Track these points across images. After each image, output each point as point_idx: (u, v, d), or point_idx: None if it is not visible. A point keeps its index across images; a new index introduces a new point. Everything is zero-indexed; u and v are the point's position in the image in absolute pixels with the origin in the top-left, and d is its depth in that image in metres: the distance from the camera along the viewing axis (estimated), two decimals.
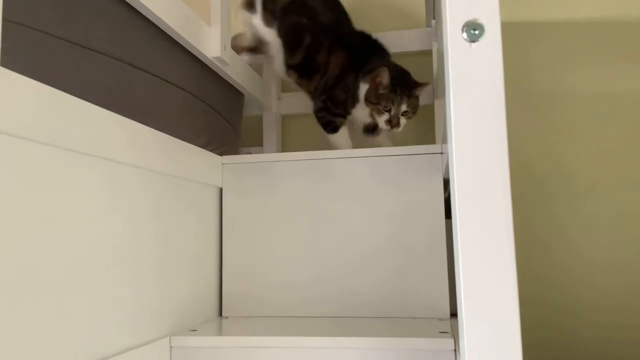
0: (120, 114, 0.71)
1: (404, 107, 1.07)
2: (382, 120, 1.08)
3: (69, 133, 0.60)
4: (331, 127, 1.14)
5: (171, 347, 0.79)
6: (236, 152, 1.18)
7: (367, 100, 1.09)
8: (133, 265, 0.73)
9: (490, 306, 0.44)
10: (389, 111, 1.07)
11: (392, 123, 1.07)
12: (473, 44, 0.38)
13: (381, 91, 1.07)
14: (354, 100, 1.12)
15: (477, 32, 0.38)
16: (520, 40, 1.32)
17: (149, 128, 0.78)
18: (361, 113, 1.12)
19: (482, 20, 0.38)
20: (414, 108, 1.09)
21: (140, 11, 0.78)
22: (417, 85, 1.09)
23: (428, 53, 1.34)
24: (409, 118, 1.09)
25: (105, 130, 0.67)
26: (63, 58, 0.65)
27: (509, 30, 1.33)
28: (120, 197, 0.71)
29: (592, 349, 1.20)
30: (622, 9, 1.28)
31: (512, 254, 0.43)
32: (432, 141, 1.31)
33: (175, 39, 0.88)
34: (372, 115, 1.09)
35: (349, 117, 1.15)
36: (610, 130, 1.26)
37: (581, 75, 1.29)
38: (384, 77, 1.06)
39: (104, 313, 0.66)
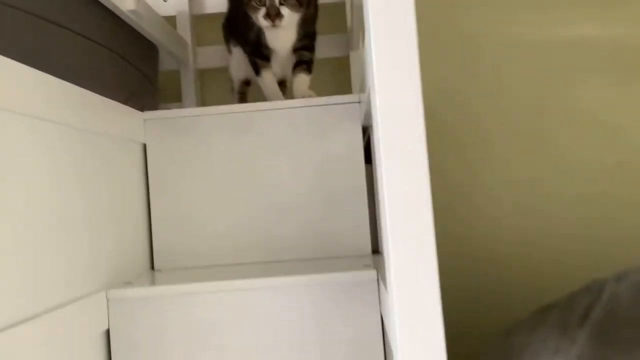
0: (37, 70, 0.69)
1: None
2: (261, 18, 1.02)
3: (16, 101, 0.59)
4: (254, 69, 1.13)
5: (108, 299, 0.81)
6: (155, 108, 1.18)
7: (245, 6, 1.04)
8: (60, 222, 0.73)
9: (412, 237, 0.49)
10: (264, 4, 1.01)
11: (271, 15, 1.00)
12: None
13: None
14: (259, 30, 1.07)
15: None
16: None
17: (68, 83, 0.77)
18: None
19: None
20: None
21: None
22: None
23: (341, 5, 1.37)
24: (293, 9, 1.03)
25: (24, 86, 0.66)
26: (17, 28, 0.63)
27: None
28: (42, 155, 0.70)
29: (499, 273, 1.34)
30: None
31: (428, 193, 0.48)
32: (348, 91, 1.37)
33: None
34: (253, 20, 1.04)
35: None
36: (523, 79, 1.36)
37: (504, 22, 1.36)
38: None
39: (36, 271, 0.67)
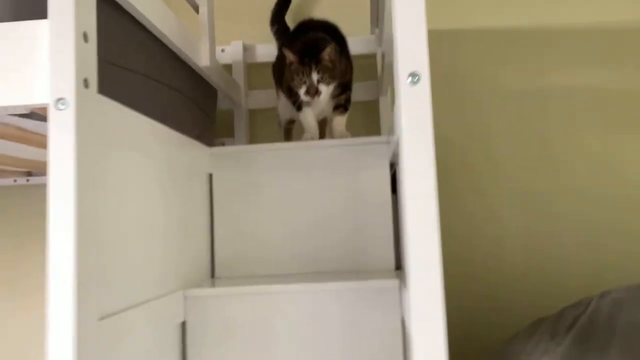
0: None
1: (315, 76, 1.19)
2: (302, 94, 1.21)
3: (128, 138, 0.82)
4: (296, 106, 1.32)
5: (185, 297, 1.02)
6: (213, 142, 1.40)
7: (290, 81, 1.23)
8: (155, 232, 0.95)
9: (425, 254, 0.70)
10: (305, 83, 1.20)
11: (310, 92, 1.20)
12: (414, 86, 0.64)
13: (292, 68, 1.22)
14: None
15: (417, 78, 0.64)
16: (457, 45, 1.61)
17: (166, 127, 1.00)
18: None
19: (419, 71, 0.64)
20: (328, 71, 1.20)
21: (159, 37, 1.00)
22: (323, 50, 1.19)
23: (373, 56, 1.60)
24: (329, 83, 1.21)
25: (141, 131, 0.89)
26: (126, 82, 0.86)
27: (450, 36, 1.61)
28: (148, 180, 0.93)
29: (501, 290, 1.52)
30: (540, 17, 1.59)
31: (436, 225, 0.67)
32: (377, 130, 1.58)
33: (179, 54, 1.10)
34: (296, 94, 1.23)
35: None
36: (529, 120, 1.56)
37: (504, 74, 1.58)
38: (289, 55, 1.21)
39: (143, 268, 0.88)
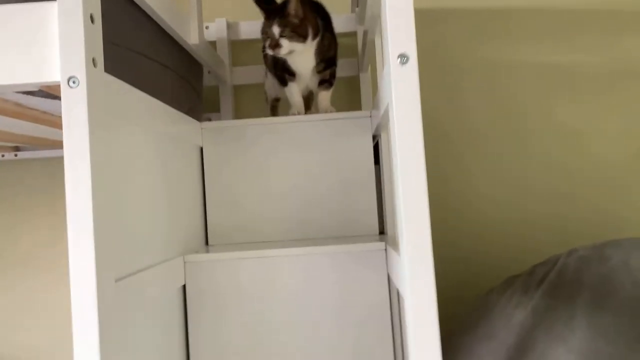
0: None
1: (275, 29, 1.22)
2: (267, 47, 1.24)
3: (131, 113, 0.87)
4: (281, 82, 1.38)
5: (185, 262, 1.09)
6: (201, 117, 1.45)
7: (261, 36, 1.28)
8: (158, 201, 1.01)
9: (415, 216, 0.77)
10: (268, 37, 1.24)
11: (271, 45, 1.23)
12: (403, 66, 0.71)
13: (262, 26, 1.28)
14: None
15: (405, 59, 0.70)
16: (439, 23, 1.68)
17: (161, 102, 1.05)
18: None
19: (408, 52, 0.71)
20: (290, 26, 1.22)
21: (153, 17, 1.04)
22: (288, 5, 1.22)
23: (353, 34, 1.66)
24: (290, 38, 1.22)
25: (141, 107, 0.94)
26: (126, 61, 0.91)
27: (433, 15, 1.68)
28: (148, 152, 0.98)
29: (479, 252, 1.63)
30: None
31: (425, 189, 0.75)
32: (358, 105, 1.65)
33: (170, 33, 1.14)
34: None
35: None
36: (505, 94, 1.65)
37: (486, 50, 1.66)
38: (261, 12, 1.27)
39: (149, 234, 0.94)
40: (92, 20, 0.76)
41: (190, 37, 1.23)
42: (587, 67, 1.65)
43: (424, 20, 1.67)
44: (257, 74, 1.64)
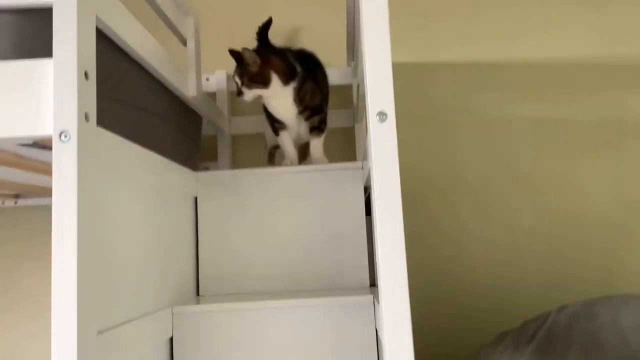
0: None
1: (237, 79, 1.33)
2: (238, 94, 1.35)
3: (123, 165, 0.90)
4: (274, 131, 1.44)
5: (173, 313, 1.09)
6: (198, 167, 1.48)
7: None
8: (148, 253, 1.02)
9: (394, 271, 0.78)
10: (237, 84, 1.35)
11: (238, 92, 1.35)
12: (382, 123, 0.73)
13: None
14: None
15: (384, 117, 0.73)
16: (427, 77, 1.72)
17: (156, 154, 1.07)
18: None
19: (386, 110, 0.73)
20: (247, 75, 1.31)
21: (150, 71, 1.07)
22: (245, 58, 1.30)
23: (349, 86, 1.70)
24: (249, 86, 1.32)
25: (133, 159, 0.96)
26: (121, 115, 0.94)
27: (425, 67, 1.72)
28: (148, 207, 1.00)
29: (469, 298, 1.61)
30: (503, 53, 1.71)
31: (401, 243, 0.76)
32: (353, 155, 1.67)
33: (168, 86, 1.18)
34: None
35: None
36: (494, 146, 1.68)
37: (472, 103, 1.70)
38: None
39: (142, 284, 0.95)
40: (87, 77, 0.80)
41: (189, 90, 1.27)
42: (576, 121, 1.67)
43: (417, 72, 1.71)
44: (255, 123, 1.67)
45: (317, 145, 1.41)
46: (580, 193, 1.65)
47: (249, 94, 1.33)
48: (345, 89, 1.71)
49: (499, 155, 1.68)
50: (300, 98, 1.35)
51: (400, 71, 1.72)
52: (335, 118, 1.68)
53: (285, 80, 1.33)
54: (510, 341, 1.17)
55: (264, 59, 1.31)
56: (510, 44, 1.71)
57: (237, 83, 1.34)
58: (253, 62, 1.30)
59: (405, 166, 1.61)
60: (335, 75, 1.67)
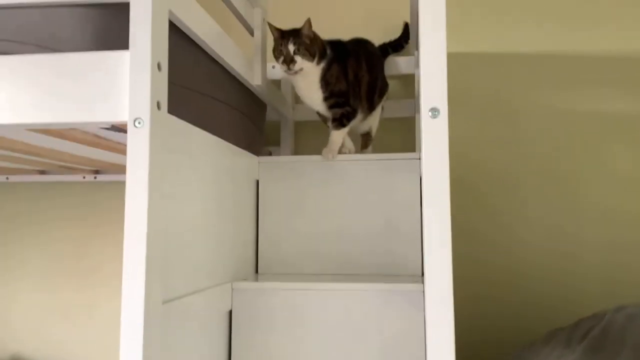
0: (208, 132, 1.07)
1: (291, 47, 1.30)
2: (280, 64, 1.33)
3: (190, 149, 0.96)
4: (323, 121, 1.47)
5: (232, 288, 1.16)
6: (261, 151, 1.54)
7: (273, 54, 1.35)
8: (213, 231, 1.09)
9: (439, 261, 0.80)
10: (282, 53, 1.31)
11: (286, 61, 1.31)
12: (434, 120, 0.75)
13: (275, 44, 1.33)
14: None
15: (436, 113, 0.75)
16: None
17: (221, 139, 1.14)
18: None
19: (439, 106, 0.75)
20: (304, 45, 1.30)
21: (218, 61, 1.14)
22: (302, 26, 1.31)
23: (412, 75, 1.71)
24: (304, 55, 1.31)
25: (201, 143, 1.03)
26: (191, 102, 1.01)
27: (472, 58, 1.71)
28: (212, 189, 1.07)
29: (521, 303, 1.60)
30: (553, 45, 1.66)
31: (448, 238, 0.78)
32: (413, 145, 1.68)
33: (235, 75, 1.24)
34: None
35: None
36: (555, 142, 1.64)
37: (540, 97, 1.66)
38: (273, 31, 1.34)
39: (205, 259, 1.02)
40: (159, 68, 0.86)
41: (255, 78, 1.33)
42: None
43: (484, 61, 1.69)
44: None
45: (333, 137, 1.38)
46: None
47: (299, 64, 1.31)
48: (410, 79, 1.72)
49: (559, 150, 1.64)
50: (326, 80, 1.36)
51: (470, 61, 1.71)
52: (397, 108, 1.69)
53: (320, 59, 1.35)
54: (562, 338, 1.17)
55: (315, 34, 1.34)
56: (579, 35, 1.66)
57: (287, 52, 1.31)
58: (308, 33, 1.32)
59: (466, 157, 1.61)
60: (400, 64, 1.68)
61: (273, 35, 1.35)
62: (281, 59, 1.32)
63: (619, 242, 1.58)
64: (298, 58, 1.31)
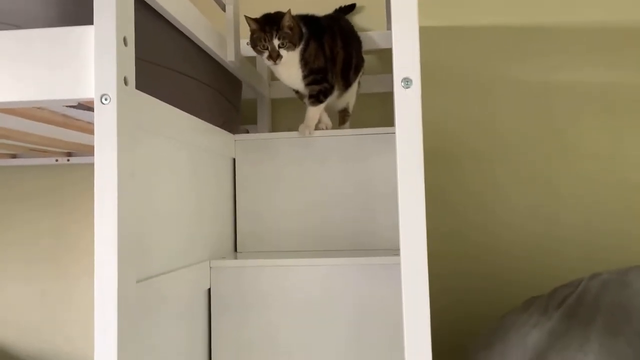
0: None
1: (276, 42, 1.26)
2: (265, 59, 1.29)
3: (160, 127, 0.94)
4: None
5: (210, 267, 1.15)
6: (237, 129, 1.52)
7: (254, 49, 1.31)
8: (188, 210, 1.08)
9: (412, 228, 0.80)
10: (267, 49, 1.27)
11: (272, 57, 1.27)
12: (406, 89, 0.74)
13: (254, 36, 1.29)
14: None
15: (408, 83, 0.74)
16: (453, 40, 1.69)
17: (193, 117, 1.12)
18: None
19: (411, 76, 0.74)
20: (287, 37, 1.27)
21: (188, 36, 1.11)
22: (283, 18, 1.26)
23: (389, 50, 1.69)
24: (289, 47, 1.28)
25: (172, 121, 1.01)
26: (161, 79, 0.98)
27: (445, 32, 1.70)
28: (179, 163, 1.05)
29: (501, 268, 1.62)
30: (528, 16, 1.66)
31: (423, 206, 0.78)
32: (391, 120, 1.67)
33: (206, 51, 1.21)
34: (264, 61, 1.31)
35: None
36: (533, 113, 1.65)
37: (511, 69, 1.66)
38: (251, 24, 1.29)
39: (176, 239, 1.01)
40: (125, 43, 0.84)
41: (228, 55, 1.30)
42: (619, 85, 1.61)
43: (457, 35, 1.69)
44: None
45: (310, 113, 1.37)
46: (623, 162, 1.61)
47: (286, 57, 1.28)
48: (386, 53, 1.71)
49: (537, 121, 1.65)
50: (305, 59, 1.33)
51: (441, 35, 1.69)
52: (375, 82, 1.68)
53: (299, 43, 1.31)
54: (539, 306, 1.18)
55: (294, 22, 1.30)
56: (547, 8, 1.66)
57: (272, 47, 1.27)
58: (289, 25, 1.28)
59: (439, 128, 1.61)
60: (376, 39, 1.66)
61: (250, 27, 1.30)
62: (266, 53, 1.29)
63: (594, 208, 1.60)
64: (284, 52, 1.28)
